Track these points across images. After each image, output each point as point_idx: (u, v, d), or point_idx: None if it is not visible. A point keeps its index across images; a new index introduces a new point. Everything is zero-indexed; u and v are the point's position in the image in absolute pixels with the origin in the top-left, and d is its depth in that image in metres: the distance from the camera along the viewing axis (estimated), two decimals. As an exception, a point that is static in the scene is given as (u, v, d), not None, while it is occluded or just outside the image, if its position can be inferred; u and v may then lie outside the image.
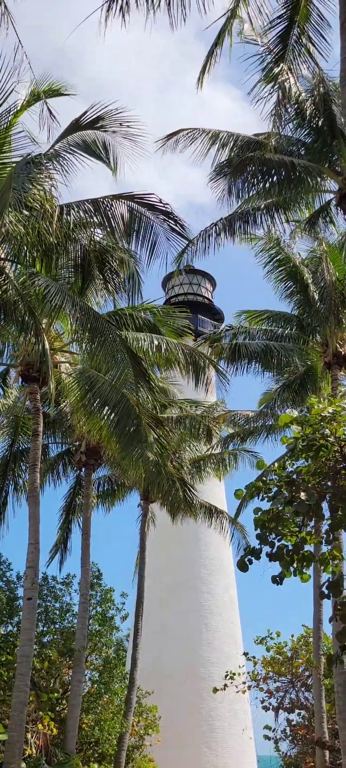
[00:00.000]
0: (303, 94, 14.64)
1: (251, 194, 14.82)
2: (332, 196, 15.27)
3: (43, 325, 14.97)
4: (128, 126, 12.76)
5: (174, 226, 12.95)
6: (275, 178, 14.22)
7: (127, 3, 11.48)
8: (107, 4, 11.53)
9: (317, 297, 17.77)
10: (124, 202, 13.16)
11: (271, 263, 18.45)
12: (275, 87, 12.89)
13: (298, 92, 14.41)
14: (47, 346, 14.31)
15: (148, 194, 13.00)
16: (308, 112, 14.68)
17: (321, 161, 14.66)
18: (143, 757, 22.34)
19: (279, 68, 12.83)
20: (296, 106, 14.66)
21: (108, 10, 11.50)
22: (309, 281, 18.19)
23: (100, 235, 14.05)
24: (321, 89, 14.57)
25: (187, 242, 14.31)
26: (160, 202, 12.92)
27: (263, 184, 14.44)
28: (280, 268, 18.49)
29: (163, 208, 12.97)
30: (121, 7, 11.45)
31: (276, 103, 12.83)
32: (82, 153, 12.93)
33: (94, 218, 13.30)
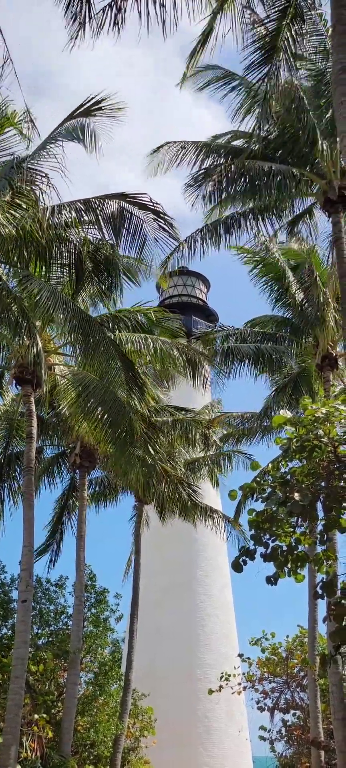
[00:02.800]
0: (286, 98, 14.65)
1: (233, 198, 14.86)
2: (315, 199, 15.27)
3: (37, 327, 14.93)
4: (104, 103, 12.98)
5: (165, 226, 12.94)
6: (258, 182, 14.24)
7: (115, 21, 11.42)
8: (98, 26, 11.47)
9: (303, 299, 17.75)
10: (116, 202, 13.16)
11: (257, 269, 18.40)
12: (257, 98, 12.92)
13: (279, 97, 14.40)
14: (41, 347, 14.28)
15: (139, 194, 13.01)
16: (289, 116, 14.66)
17: (304, 165, 14.66)
18: (139, 759, 22.32)
19: (260, 74, 12.78)
20: (280, 111, 14.67)
21: (99, 28, 11.44)
22: (295, 284, 18.12)
23: (93, 234, 14.04)
24: (305, 93, 14.62)
25: (177, 243, 14.34)
26: (151, 201, 12.92)
27: (244, 188, 14.47)
28: (266, 274, 18.45)
29: (154, 208, 12.96)
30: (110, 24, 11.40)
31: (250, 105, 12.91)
32: (63, 139, 13.03)
33: (85, 217, 13.29)
